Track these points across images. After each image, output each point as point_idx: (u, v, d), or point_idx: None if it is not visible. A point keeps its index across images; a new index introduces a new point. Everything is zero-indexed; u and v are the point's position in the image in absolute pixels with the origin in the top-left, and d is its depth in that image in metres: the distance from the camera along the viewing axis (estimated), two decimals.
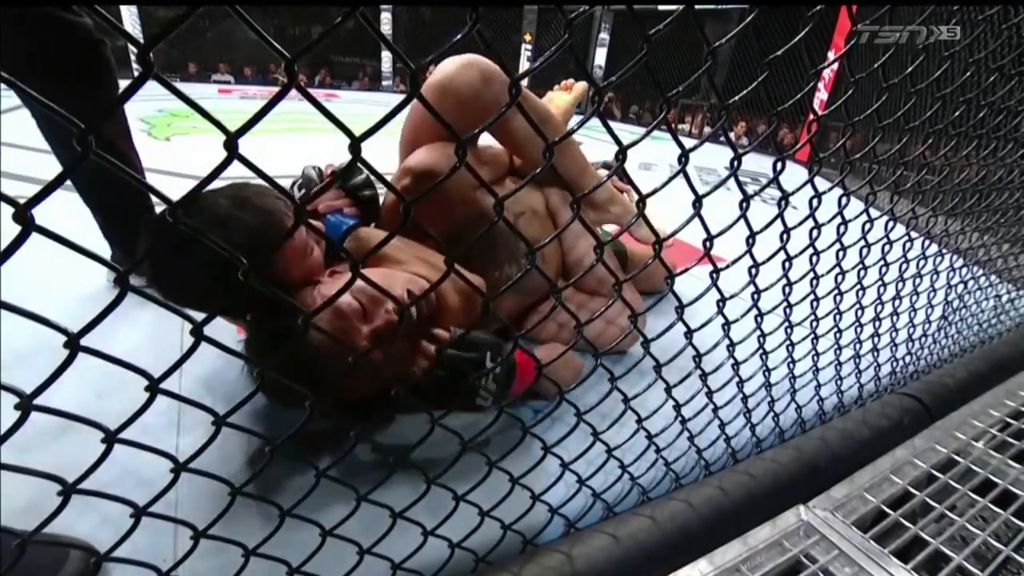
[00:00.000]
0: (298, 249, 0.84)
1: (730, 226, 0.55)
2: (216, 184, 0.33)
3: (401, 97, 0.34)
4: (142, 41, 0.26)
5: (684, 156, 0.46)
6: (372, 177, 1.00)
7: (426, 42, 9.61)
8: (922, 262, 0.99)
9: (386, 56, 9.71)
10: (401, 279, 0.87)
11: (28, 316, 0.30)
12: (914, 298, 1.02)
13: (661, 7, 6.50)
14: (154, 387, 0.36)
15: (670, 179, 0.47)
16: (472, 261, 1.03)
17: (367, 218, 1.07)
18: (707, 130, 7.09)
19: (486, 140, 1.26)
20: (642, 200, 0.47)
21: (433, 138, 1.03)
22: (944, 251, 1.06)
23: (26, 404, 0.32)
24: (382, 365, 0.81)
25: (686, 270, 0.59)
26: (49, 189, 0.27)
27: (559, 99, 1.64)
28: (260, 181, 0.33)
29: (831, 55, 4.88)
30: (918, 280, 1.00)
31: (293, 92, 0.31)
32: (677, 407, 0.73)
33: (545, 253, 1.21)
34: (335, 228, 1.01)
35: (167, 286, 0.76)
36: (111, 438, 0.37)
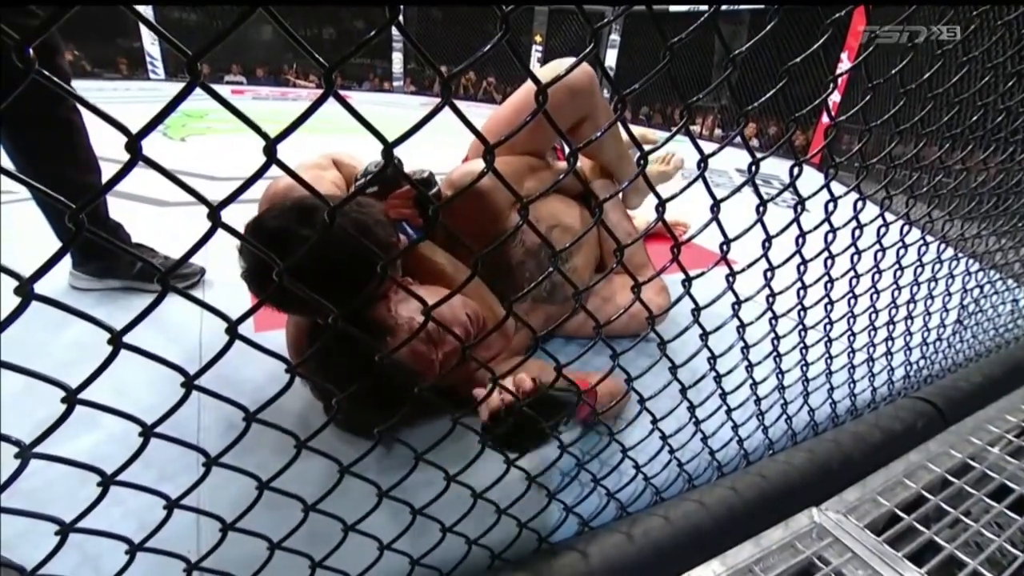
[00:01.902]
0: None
1: (747, 230, 0.56)
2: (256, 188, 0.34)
3: (409, 97, 0.36)
4: (157, 41, 0.28)
5: (703, 161, 0.46)
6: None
7: (437, 43, 9.63)
8: (937, 266, 0.98)
9: (396, 57, 9.75)
10: (459, 303, 0.86)
11: (79, 315, 0.31)
12: (929, 302, 1.02)
13: (673, 8, 6.46)
14: (190, 384, 0.37)
15: (688, 185, 0.48)
16: (500, 278, 1.03)
17: (428, 233, 1.08)
18: (717, 132, 7.06)
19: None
20: (662, 205, 0.48)
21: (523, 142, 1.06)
22: (960, 255, 1.06)
23: (72, 399, 0.33)
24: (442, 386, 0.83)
25: (702, 274, 0.60)
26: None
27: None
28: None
29: (844, 56, 4.85)
30: (933, 284, 1.00)
31: (306, 93, 0.32)
32: (691, 408, 0.73)
33: (578, 265, 1.21)
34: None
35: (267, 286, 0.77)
36: (148, 432, 0.38)
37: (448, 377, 0.83)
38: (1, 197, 1.66)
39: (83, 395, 0.33)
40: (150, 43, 7.43)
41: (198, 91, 0.30)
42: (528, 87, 1.06)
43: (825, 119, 4.53)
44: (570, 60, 1.00)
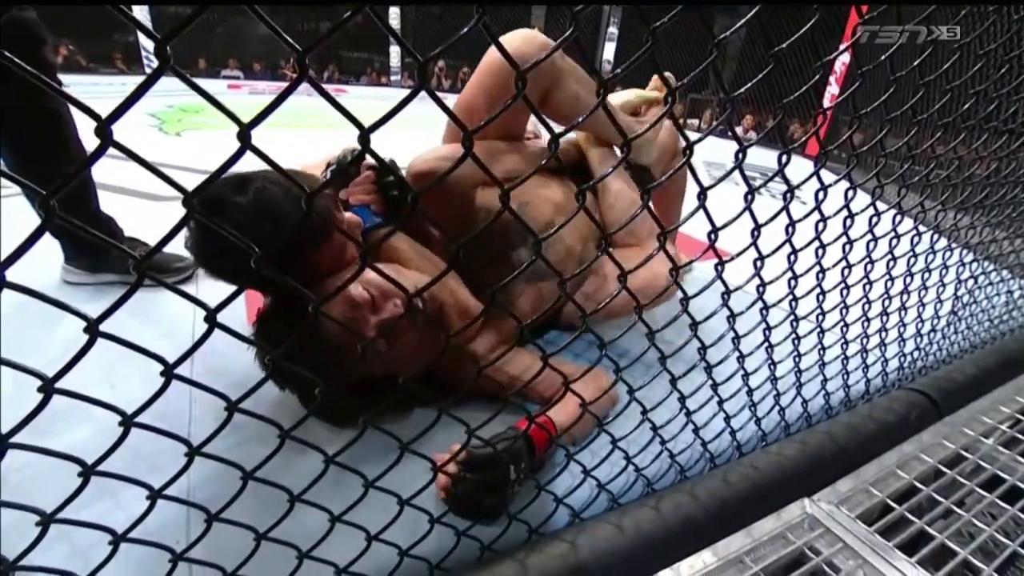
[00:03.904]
0: (337, 247, 0.85)
1: (735, 218, 0.55)
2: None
3: (407, 92, 0.35)
4: (152, 43, 0.28)
5: (688, 148, 0.46)
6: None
7: (435, 37, 9.59)
8: (930, 256, 0.98)
9: (394, 51, 9.71)
10: (411, 277, 0.88)
11: (53, 303, 0.31)
12: (922, 293, 1.01)
13: None
14: (169, 372, 0.37)
15: (675, 171, 0.48)
16: (475, 263, 0.98)
17: (391, 220, 1.08)
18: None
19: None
20: (647, 194, 0.48)
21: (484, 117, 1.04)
22: (954, 245, 1.05)
23: (48, 387, 0.33)
24: (393, 359, 0.83)
25: (691, 262, 0.60)
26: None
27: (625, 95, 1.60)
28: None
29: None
30: (926, 275, 1.00)
31: (304, 88, 0.32)
32: (682, 399, 0.73)
33: (568, 242, 1.14)
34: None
35: (213, 264, 0.82)
36: (128, 422, 0.38)
37: (403, 347, 0.84)
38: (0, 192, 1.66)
39: (72, 388, 0.33)
40: (145, 37, 7.39)
41: (207, 87, 0.31)
42: (481, 70, 1.01)
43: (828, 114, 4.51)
44: (522, 31, 0.97)
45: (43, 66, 1.15)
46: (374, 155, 0.34)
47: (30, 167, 1.18)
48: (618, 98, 1.46)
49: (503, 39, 1.05)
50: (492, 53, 0.99)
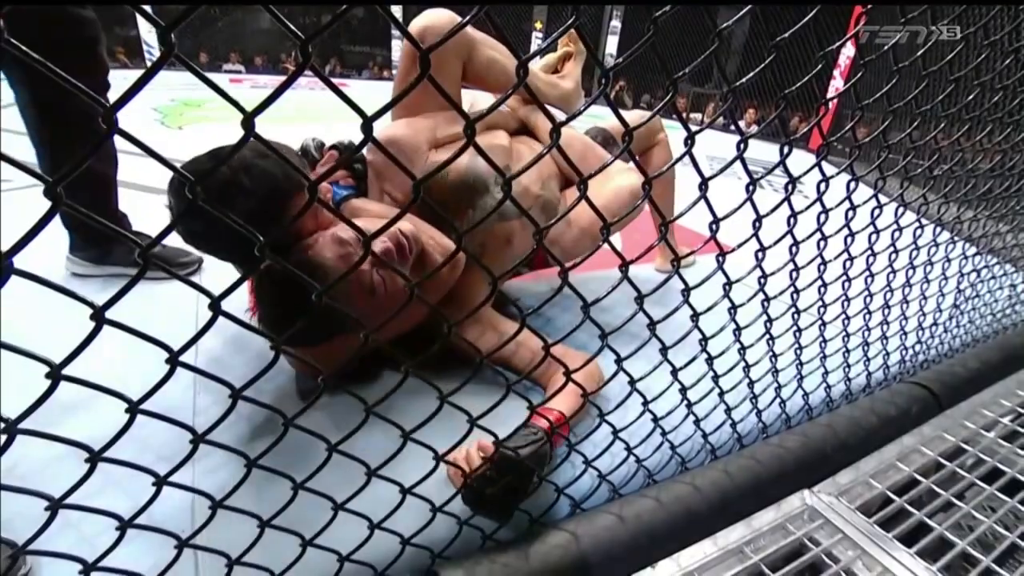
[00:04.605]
0: (315, 207, 0.88)
1: (736, 208, 0.55)
2: None
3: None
4: (156, 31, 0.28)
5: (690, 138, 0.46)
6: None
7: None
8: (933, 249, 0.98)
9: (396, 45, 9.67)
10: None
11: (58, 289, 0.31)
12: (924, 286, 1.01)
13: None
14: (174, 359, 0.37)
15: (674, 162, 0.48)
16: (442, 220, 1.00)
17: (360, 191, 1.16)
18: (720, 120, 7.01)
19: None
20: (648, 183, 0.48)
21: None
22: (956, 238, 1.05)
23: (56, 374, 0.33)
24: (392, 299, 0.85)
25: (692, 252, 0.60)
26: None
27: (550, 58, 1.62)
28: None
29: (849, 47, 4.80)
30: (929, 268, 0.99)
31: (306, 82, 0.32)
32: (683, 390, 0.73)
33: (526, 184, 1.13)
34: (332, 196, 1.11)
35: (202, 239, 0.85)
36: (134, 408, 0.38)
37: (395, 290, 0.86)
38: (0, 185, 1.66)
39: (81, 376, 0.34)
40: (147, 31, 7.39)
41: (195, 81, 0.31)
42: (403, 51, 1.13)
43: (830, 106, 4.49)
44: (429, 11, 1.01)
45: (97, 65, 1.19)
46: (376, 142, 0.35)
47: (59, 162, 1.20)
48: (537, 64, 1.54)
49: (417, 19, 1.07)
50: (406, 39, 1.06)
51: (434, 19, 1.01)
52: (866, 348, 1.03)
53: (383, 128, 1.05)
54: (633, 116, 1.45)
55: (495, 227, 1.07)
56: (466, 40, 1.09)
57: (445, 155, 1.07)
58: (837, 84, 4.96)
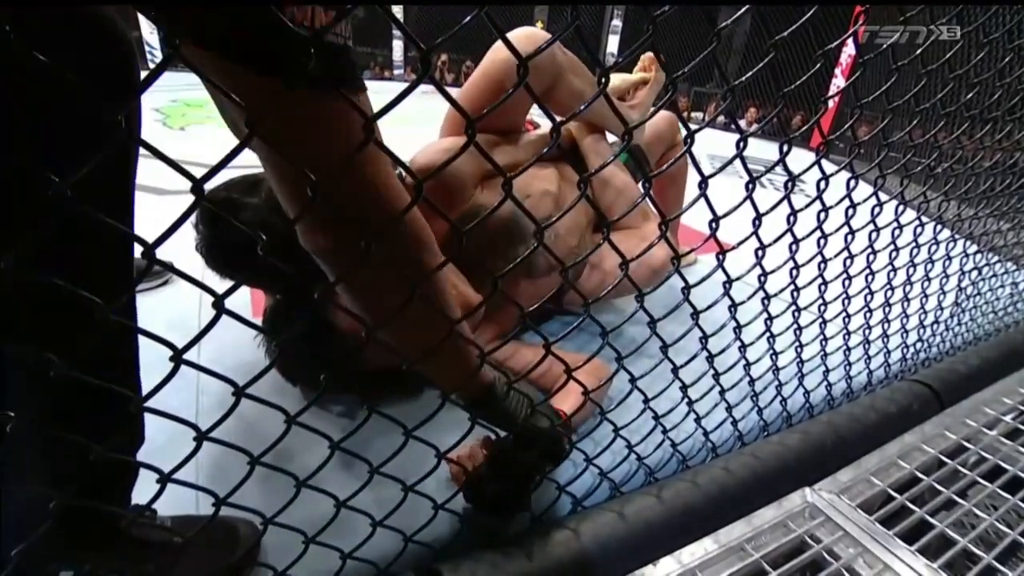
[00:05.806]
0: None
1: (736, 207, 0.55)
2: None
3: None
4: (156, 31, 0.28)
5: (690, 137, 0.46)
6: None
7: (436, 30, 9.56)
8: (933, 247, 0.98)
9: (397, 45, 9.68)
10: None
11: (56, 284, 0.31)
12: (925, 284, 1.01)
13: None
14: (178, 357, 0.37)
15: (675, 160, 0.48)
16: (475, 266, 0.95)
17: None
18: (720, 119, 7.01)
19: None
20: (648, 181, 0.48)
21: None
22: (957, 236, 1.05)
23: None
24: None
25: (692, 250, 0.60)
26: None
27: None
28: None
29: (850, 46, 4.79)
30: (929, 265, 0.99)
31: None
32: (684, 388, 0.74)
33: (560, 230, 1.11)
34: None
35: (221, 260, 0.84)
36: (138, 405, 0.39)
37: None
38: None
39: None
40: (148, 32, 7.41)
41: (197, 81, 0.32)
42: (483, 66, 1.02)
43: (832, 105, 4.48)
44: (526, 29, 0.98)
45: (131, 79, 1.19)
46: (382, 146, 0.35)
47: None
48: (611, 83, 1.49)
49: (508, 35, 1.06)
50: (495, 50, 1.00)
51: (531, 37, 0.98)
52: (867, 346, 1.03)
53: (428, 149, 0.98)
54: (658, 117, 1.42)
55: (527, 283, 1.06)
56: (556, 64, 1.04)
57: (492, 194, 1.03)
58: (838, 83, 4.96)
